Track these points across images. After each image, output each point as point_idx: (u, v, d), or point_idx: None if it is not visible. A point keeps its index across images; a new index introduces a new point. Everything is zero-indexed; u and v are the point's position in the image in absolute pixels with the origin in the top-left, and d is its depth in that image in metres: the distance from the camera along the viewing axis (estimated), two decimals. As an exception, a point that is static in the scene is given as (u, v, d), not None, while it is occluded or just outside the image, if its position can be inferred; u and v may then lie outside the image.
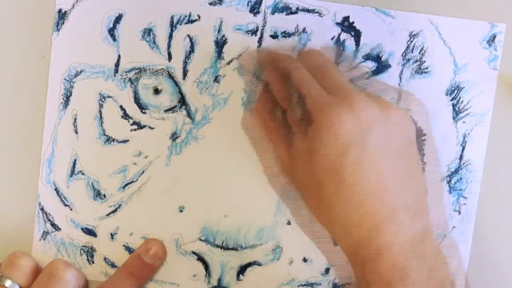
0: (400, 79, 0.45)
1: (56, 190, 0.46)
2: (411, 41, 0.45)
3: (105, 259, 0.46)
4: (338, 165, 0.38)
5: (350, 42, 0.45)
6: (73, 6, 0.45)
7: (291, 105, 0.41)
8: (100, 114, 0.46)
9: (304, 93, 0.40)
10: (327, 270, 0.46)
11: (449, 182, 0.46)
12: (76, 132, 0.46)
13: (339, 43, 0.45)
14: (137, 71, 0.46)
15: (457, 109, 0.46)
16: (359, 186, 0.38)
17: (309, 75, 0.41)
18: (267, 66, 0.44)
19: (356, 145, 0.38)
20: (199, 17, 0.45)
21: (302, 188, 0.42)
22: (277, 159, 0.44)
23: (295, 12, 0.45)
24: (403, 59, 0.45)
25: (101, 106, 0.46)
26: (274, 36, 0.45)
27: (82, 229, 0.46)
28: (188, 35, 0.45)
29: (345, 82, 0.41)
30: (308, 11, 0.45)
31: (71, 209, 0.46)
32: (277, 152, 0.43)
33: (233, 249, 0.46)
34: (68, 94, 0.46)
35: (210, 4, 0.45)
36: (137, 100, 0.46)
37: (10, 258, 0.44)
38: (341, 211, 0.39)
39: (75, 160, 0.46)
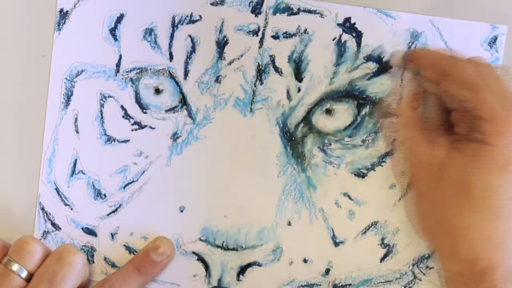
0: (401, 80, 0.45)
1: (57, 189, 0.46)
2: (413, 42, 0.45)
3: (105, 258, 0.46)
4: (496, 180, 0.38)
5: (351, 43, 0.45)
6: (74, 6, 0.45)
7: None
8: (101, 114, 0.46)
9: (475, 103, 0.39)
10: (327, 271, 0.46)
11: (449, 183, 0.46)
12: (77, 132, 0.46)
13: (341, 44, 0.45)
14: (138, 71, 0.46)
15: (458, 110, 0.46)
16: (505, 206, 0.38)
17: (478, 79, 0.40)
18: (426, 66, 0.43)
19: None
20: (201, 17, 0.45)
21: (429, 196, 0.41)
22: (414, 157, 0.43)
23: (297, 13, 0.45)
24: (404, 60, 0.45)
25: (102, 106, 0.46)
26: (276, 37, 0.45)
27: (82, 228, 0.46)
28: (190, 35, 0.45)
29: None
30: (310, 12, 0.45)
31: (71, 209, 0.46)
32: (417, 151, 0.42)
33: (233, 249, 0.46)
34: (69, 94, 0.46)
35: (212, 4, 0.45)
36: (138, 100, 0.46)
37: (18, 243, 0.44)
38: (475, 224, 0.39)
39: (75, 160, 0.46)
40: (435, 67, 0.42)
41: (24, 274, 0.43)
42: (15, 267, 0.43)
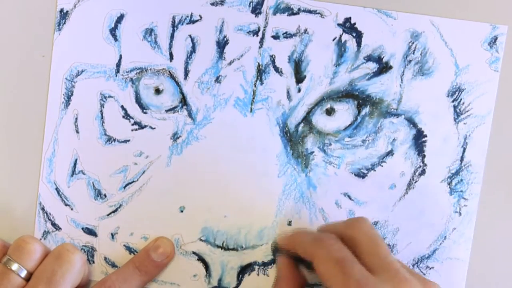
0: (402, 80, 0.45)
1: (57, 189, 0.46)
2: (413, 43, 0.45)
3: (105, 259, 0.46)
4: None
5: (351, 43, 0.45)
6: (74, 6, 0.45)
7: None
8: (101, 114, 0.46)
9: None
10: (327, 271, 0.46)
11: (449, 183, 0.46)
12: (77, 132, 0.46)
13: (341, 44, 0.45)
14: (138, 71, 0.46)
15: (458, 110, 0.46)
16: None
17: (349, 254, 0.39)
18: (295, 248, 0.42)
19: None
20: (201, 17, 0.45)
21: None
22: None
23: (297, 13, 0.45)
24: (404, 60, 0.45)
25: (102, 106, 0.46)
26: (276, 37, 0.45)
27: (82, 228, 0.46)
28: (190, 35, 0.45)
29: (394, 262, 0.39)
30: (310, 12, 0.45)
31: (71, 209, 0.46)
32: None
33: (233, 249, 0.46)
34: (69, 94, 0.46)
35: (212, 4, 0.45)
36: (138, 100, 0.46)
37: (18, 242, 0.44)
38: None
39: (76, 160, 0.46)
40: (302, 249, 0.41)
41: (23, 273, 0.43)
42: (14, 266, 0.43)
